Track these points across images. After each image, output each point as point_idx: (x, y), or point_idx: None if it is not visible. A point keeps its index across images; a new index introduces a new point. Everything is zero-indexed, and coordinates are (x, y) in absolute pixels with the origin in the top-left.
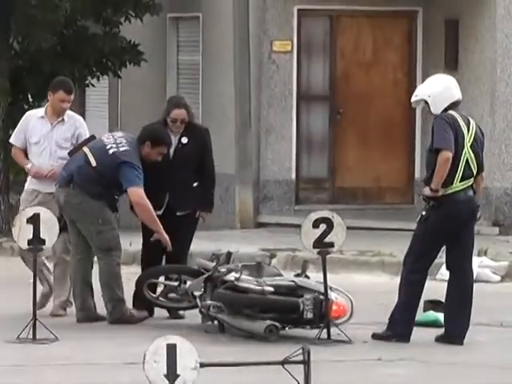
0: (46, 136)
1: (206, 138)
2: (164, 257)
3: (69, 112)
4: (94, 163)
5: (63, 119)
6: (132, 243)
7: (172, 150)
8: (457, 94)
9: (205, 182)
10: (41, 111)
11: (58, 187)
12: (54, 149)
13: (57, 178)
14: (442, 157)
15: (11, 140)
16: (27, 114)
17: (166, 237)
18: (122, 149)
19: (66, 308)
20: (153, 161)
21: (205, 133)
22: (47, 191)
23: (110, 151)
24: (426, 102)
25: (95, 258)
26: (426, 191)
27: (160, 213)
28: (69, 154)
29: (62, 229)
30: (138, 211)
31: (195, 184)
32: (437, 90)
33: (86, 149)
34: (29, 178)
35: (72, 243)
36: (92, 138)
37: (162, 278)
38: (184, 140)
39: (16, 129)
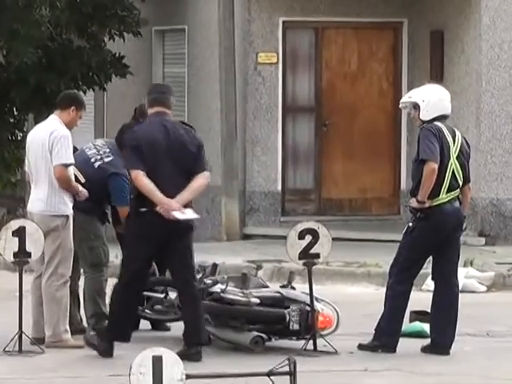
0: None
1: None
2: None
3: None
4: (82, 179)
5: None
6: (118, 255)
7: None
8: (448, 108)
9: None
10: (65, 128)
11: None
12: None
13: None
14: (428, 168)
15: (70, 161)
16: (67, 133)
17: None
18: (106, 159)
19: None
20: None
21: None
22: None
23: (96, 164)
24: (416, 107)
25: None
26: (413, 203)
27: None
28: None
29: None
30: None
31: None
32: (433, 97)
33: None
34: (69, 200)
35: None
36: (74, 150)
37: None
38: None
39: (69, 148)
